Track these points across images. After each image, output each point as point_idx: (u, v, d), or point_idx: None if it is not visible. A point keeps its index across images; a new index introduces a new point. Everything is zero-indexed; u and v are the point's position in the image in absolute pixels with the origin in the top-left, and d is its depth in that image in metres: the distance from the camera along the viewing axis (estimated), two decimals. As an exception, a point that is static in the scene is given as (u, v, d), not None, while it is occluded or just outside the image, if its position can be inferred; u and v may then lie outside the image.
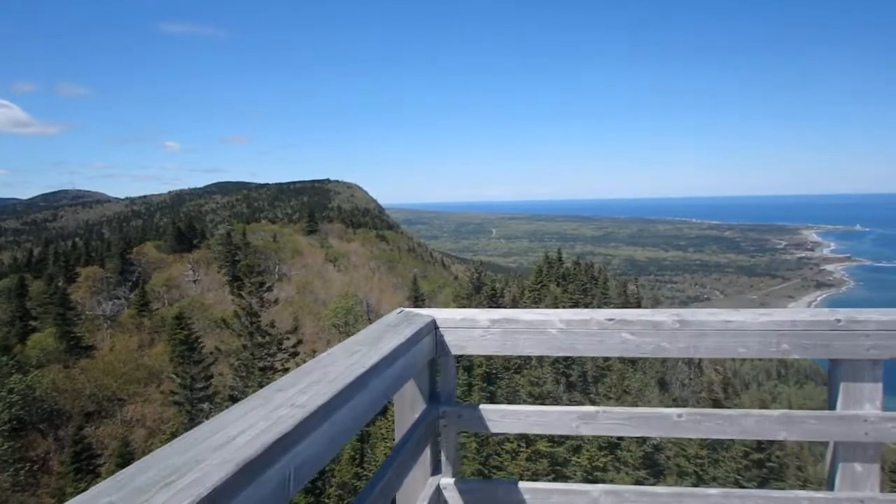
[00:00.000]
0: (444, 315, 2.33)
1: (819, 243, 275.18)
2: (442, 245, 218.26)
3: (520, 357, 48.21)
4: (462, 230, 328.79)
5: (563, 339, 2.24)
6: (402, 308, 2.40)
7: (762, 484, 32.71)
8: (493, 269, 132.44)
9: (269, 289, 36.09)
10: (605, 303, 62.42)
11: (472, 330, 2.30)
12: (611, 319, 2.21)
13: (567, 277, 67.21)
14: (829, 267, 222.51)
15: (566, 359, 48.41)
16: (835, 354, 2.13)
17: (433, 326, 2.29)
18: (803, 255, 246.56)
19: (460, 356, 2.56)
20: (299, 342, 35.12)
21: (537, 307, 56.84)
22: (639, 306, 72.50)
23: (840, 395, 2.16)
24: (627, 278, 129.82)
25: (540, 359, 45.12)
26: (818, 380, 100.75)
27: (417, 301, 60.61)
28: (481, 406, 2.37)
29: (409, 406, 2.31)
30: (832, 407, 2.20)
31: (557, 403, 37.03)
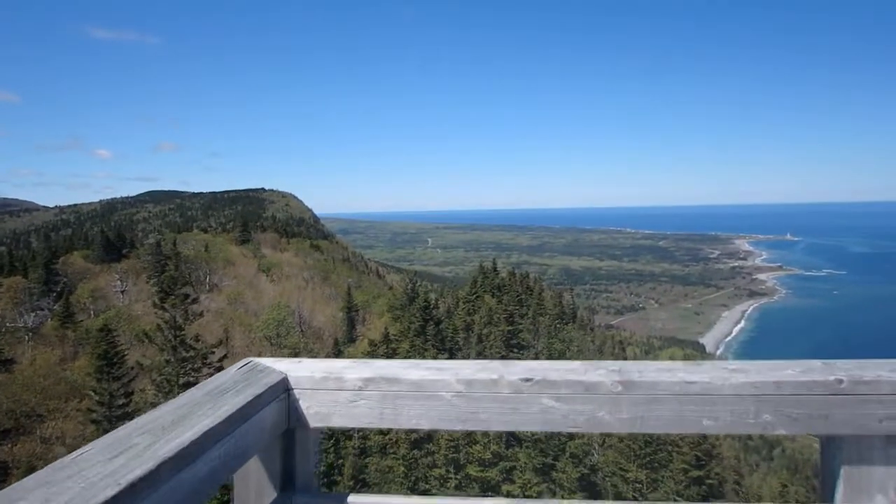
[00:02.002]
0: (301, 371, 1.72)
1: (751, 252, 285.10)
2: (377, 255, 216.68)
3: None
4: (398, 239, 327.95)
5: (463, 406, 1.66)
6: (252, 359, 1.81)
7: (705, 500, 33.09)
8: (428, 278, 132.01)
9: (195, 301, 34.73)
10: (540, 313, 62.86)
11: (339, 393, 1.70)
12: (527, 380, 1.62)
13: (502, 288, 67.36)
14: (761, 276, 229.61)
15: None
16: (835, 429, 1.56)
17: (284, 387, 1.69)
18: (736, 264, 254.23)
19: (325, 428, 1.88)
20: (224, 356, 33.99)
21: (472, 318, 56.90)
22: (574, 316, 73.45)
23: (840, 484, 1.60)
24: (563, 288, 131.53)
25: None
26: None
27: (351, 311, 59.86)
28: (351, 498, 1.72)
29: (253, 494, 1.72)
30: (828, 501, 1.64)
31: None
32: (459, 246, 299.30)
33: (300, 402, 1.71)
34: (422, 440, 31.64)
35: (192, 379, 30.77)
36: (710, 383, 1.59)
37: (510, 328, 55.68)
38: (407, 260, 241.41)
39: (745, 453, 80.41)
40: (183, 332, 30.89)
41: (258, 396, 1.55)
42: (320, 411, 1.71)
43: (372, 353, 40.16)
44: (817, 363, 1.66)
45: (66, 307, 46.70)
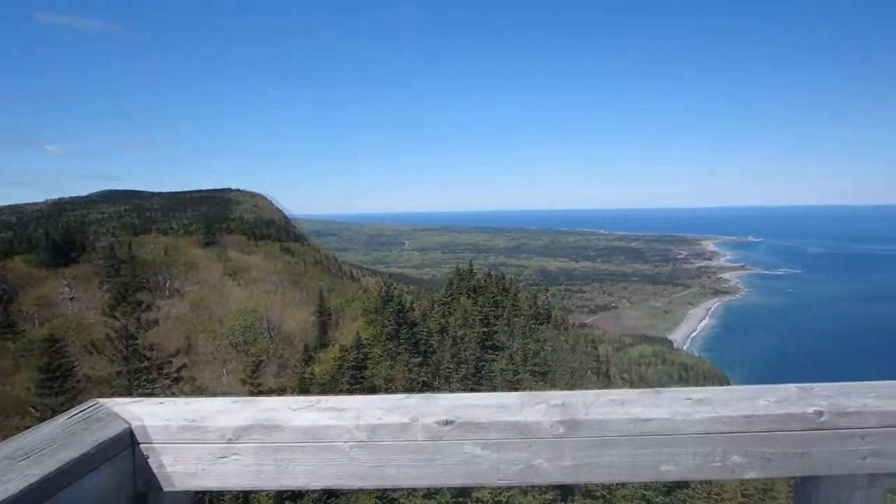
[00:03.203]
0: (157, 418, 1.34)
1: (716, 253, 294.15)
2: (352, 257, 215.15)
3: (426, 377, 46.73)
4: (374, 242, 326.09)
5: (365, 459, 1.32)
6: (97, 401, 1.41)
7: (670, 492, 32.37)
8: (404, 281, 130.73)
9: (149, 307, 32.85)
10: (515, 314, 61.90)
11: (204, 447, 1.31)
12: (448, 422, 1.30)
13: (478, 290, 66.36)
14: (725, 275, 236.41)
15: (475, 373, 47.27)
16: (813, 469, 1.35)
17: (127, 442, 1.30)
18: (702, 264, 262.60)
19: (189, 492, 1.41)
20: (183, 366, 32.19)
21: (447, 321, 55.55)
22: (549, 317, 72.60)
23: None
24: (539, 289, 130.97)
25: (447, 377, 43.51)
26: (714, 380, 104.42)
27: (323, 316, 58.25)
28: None
29: None
30: None
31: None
32: (437, 248, 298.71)
33: (153, 458, 1.33)
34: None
35: (146, 391, 29.06)
36: (669, 420, 1.32)
37: (485, 329, 54.69)
38: (383, 262, 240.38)
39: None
40: (136, 342, 29.18)
41: (84, 456, 1.19)
42: (180, 470, 1.34)
43: (343, 359, 38.62)
44: (793, 389, 1.45)
45: (7, 316, 44.16)
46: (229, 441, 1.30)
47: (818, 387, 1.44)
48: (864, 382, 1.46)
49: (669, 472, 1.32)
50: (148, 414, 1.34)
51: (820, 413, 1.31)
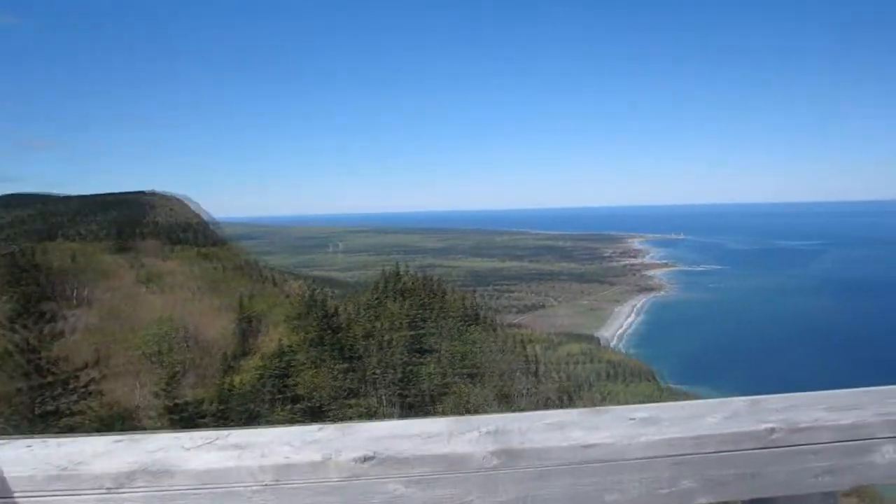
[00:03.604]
0: (20, 467, 1.11)
1: (642, 251, 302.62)
2: (277, 261, 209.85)
3: (353, 384, 45.60)
4: (301, 244, 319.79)
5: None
6: None
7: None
8: (331, 284, 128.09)
9: (53, 319, 30.85)
10: (444, 316, 61.53)
11: (78, 498, 1.10)
12: (367, 458, 1.14)
13: (406, 292, 65.66)
14: (651, 272, 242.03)
15: (403, 378, 46.58)
16: (767, 490, 1.27)
17: None
18: (629, 261, 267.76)
19: None
20: (92, 380, 30.32)
21: (374, 325, 54.60)
22: (478, 318, 72.56)
23: None
24: (468, 290, 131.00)
25: (374, 383, 42.73)
26: (641, 376, 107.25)
27: (244, 323, 56.35)
28: None
29: None
30: None
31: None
32: (365, 250, 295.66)
33: None
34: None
35: (51, 408, 27.24)
36: (613, 445, 1.22)
37: (414, 333, 54.11)
38: (309, 266, 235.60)
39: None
40: (39, 356, 27.31)
41: None
42: None
43: (265, 368, 37.29)
44: (741, 403, 1.39)
45: None
46: (109, 490, 1.09)
47: (767, 399, 1.39)
48: (813, 393, 1.42)
49: (614, 502, 1.21)
50: (9, 460, 1.10)
51: (772, 430, 1.25)
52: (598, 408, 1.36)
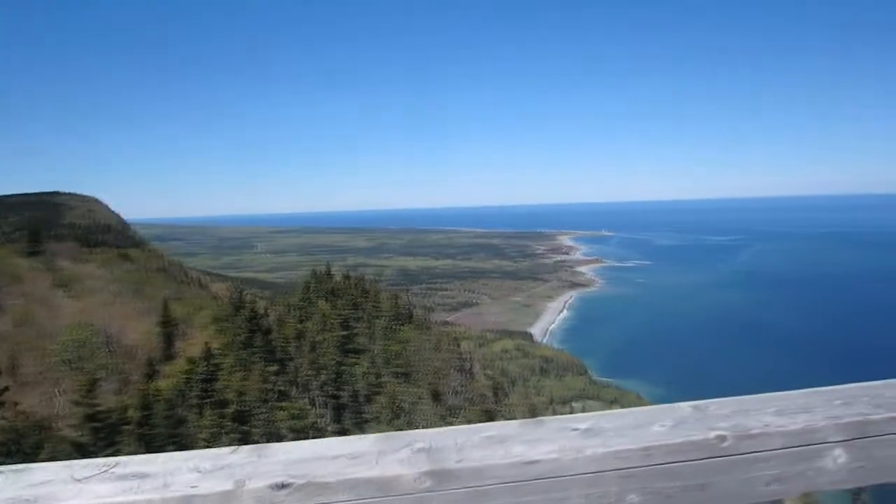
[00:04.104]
0: None
1: (573, 247, 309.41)
2: (201, 262, 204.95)
3: (283, 386, 44.81)
4: (224, 245, 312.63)
5: None
6: None
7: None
8: (258, 285, 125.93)
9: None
10: (376, 315, 61.15)
11: None
12: (284, 485, 1.03)
13: (337, 292, 64.90)
14: (581, 269, 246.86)
15: (335, 378, 45.97)
16: (715, 501, 1.22)
17: None
18: (560, 258, 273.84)
19: None
20: (6, 389, 28.72)
21: (304, 326, 53.73)
22: (411, 316, 72.42)
23: None
24: (400, 288, 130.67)
25: (305, 385, 42.06)
26: (573, 370, 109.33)
27: (169, 326, 54.49)
28: None
29: None
30: None
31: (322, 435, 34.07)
32: (292, 250, 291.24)
33: None
34: None
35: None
36: (557, 461, 1.14)
37: (345, 333, 53.49)
38: (234, 267, 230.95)
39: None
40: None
41: None
42: None
43: (191, 372, 36.08)
44: (687, 409, 1.33)
45: None
46: None
47: (713, 404, 1.34)
48: (760, 396, 1.38)
49: None
50: None
51: (722, 438, 1.20)
52: (538, 418, 1.27)
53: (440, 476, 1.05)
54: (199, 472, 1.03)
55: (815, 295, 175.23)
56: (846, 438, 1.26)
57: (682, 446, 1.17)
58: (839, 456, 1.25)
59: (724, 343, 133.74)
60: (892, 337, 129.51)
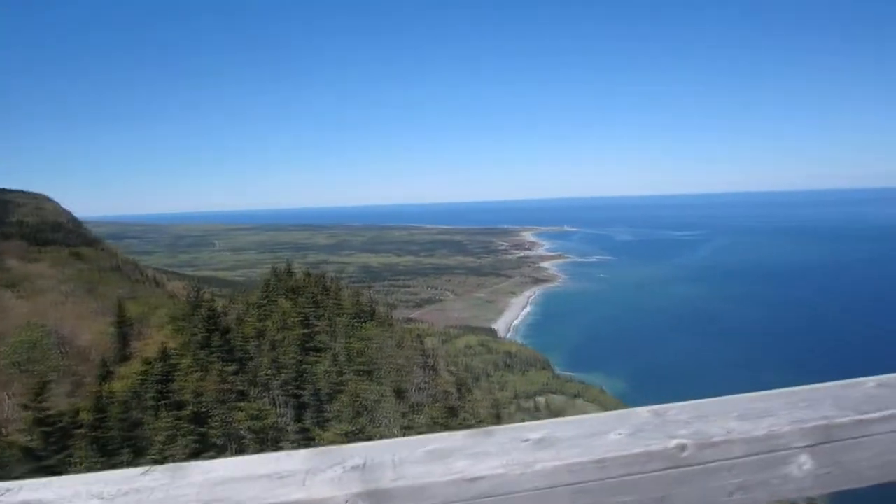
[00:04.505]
0: None
1: (535, 243, 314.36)
2: (157, 260, 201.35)
3: (243, 386, 43.98)
4: (180, 243, 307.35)
5: None
6: None
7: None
8: (217, 284, 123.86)
9: None
10: (337, 313, 60.48)
11: None
12: None
13: (297, 290, 64.02)
14: (544, 264, 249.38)
15: (296, 377, 45.32)
16: None
17: None
18: (522, 254, 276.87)
19: None
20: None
21: (264, 324, 52.91)
22: (373, 314, 71.80)
23: None
24: (362, 286, 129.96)
25: (266, 384, 41.38)
26: (536, 365, 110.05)
27: (124, 326, 53.12)
28: None
29: None
30: None
31: (280, 441, 33.28)
32: (251, 248, 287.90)
33: None
34: None
35: None
36: (503, 476, 1.04)
37: (306, 331, 52.78)
38: (192, 265, 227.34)
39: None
40: None
41: None
42: None
43: (146, 373, 35.15)
44: (645, 415, 1.24)
45: None
46: None
47: (672, 409, 1.25)
48: (721, 399, 1.30)
49: None
50: None
51: (683, 447, 1.12)
52: (487, 428, 1.16)
53: (374, 497, 0.95)
54: (102, 498, 0.91)
55: (772, 288, 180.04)
56: (811, 444, 1.19)
57: (640, 457, 1.09)
58: (805, 462, 1.18)
59: (685, 336, 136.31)
60: (847, 327, 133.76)
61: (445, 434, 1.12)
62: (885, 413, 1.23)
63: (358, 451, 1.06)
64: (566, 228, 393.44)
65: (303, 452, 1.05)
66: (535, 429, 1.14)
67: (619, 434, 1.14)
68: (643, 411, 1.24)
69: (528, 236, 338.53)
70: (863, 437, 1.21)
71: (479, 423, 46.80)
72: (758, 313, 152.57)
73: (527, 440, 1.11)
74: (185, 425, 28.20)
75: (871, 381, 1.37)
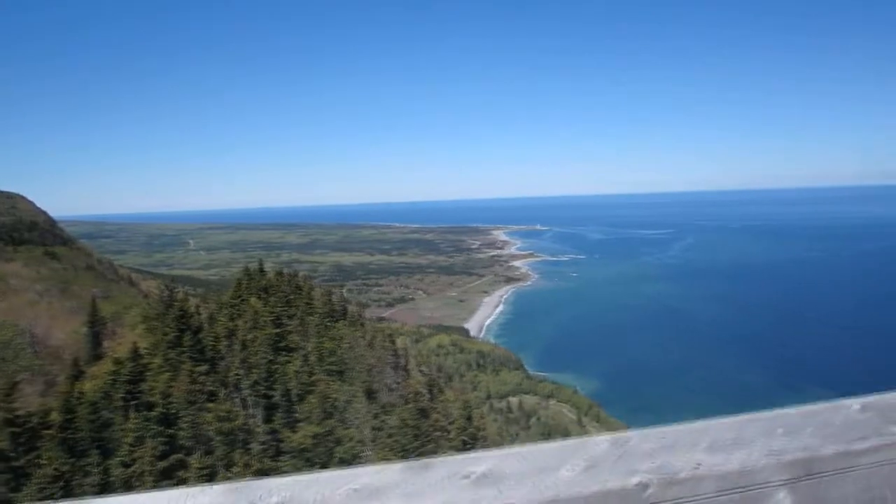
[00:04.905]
0: None
1: (507, 242, 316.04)
2: (132, 260, 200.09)
3: (213, 386, 44.54)
4: (155, 243, 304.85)
5: None
6: None
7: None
8: (191, 283, 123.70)
9: None
10: (309, 313, 60.98)
11: None
12: None
13: (269, 289, 64.48)
14: (516, 263, 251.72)
15: (267, 377, 46.02)
16: None
17: None
18: (494, 253, 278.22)
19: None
20: (-79, 395, 28.04)
21: (236, 324, 53.50)
22: (345, 313, 72.40)
23: None
24: (334, 285, 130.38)
25: (236, 384, 42.12)
26: (509, 364, 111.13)
27: (97, 325, 53.35)
28: None
29: None
30: None
31: (248, 443, 33.86)
32: (225, 247, 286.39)
33: None
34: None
35: None
36: None
37: (278, 331, 53.30)
38: (166, 264, 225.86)
39: (507, 424, 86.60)
40: None
41: None
42: None
43: (116, 373, 35.73)
44: (603, 444, 1.08)
45: None
46: None
47: (634, 437, 1.09)
48: (689, 426, 1.13)
49: None
50: None
51: (645, 486, 0.98)
52: (426, 460, 1.02)
53: None
54: None
55: (739, 285, 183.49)
56: (790, 478, 1.08)
57: (596, 497, 0.95)
58: (783, 500, 1.08)
59: (656, 334, 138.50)
60: (812, 324, 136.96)
61: (379, 466, 0.99)
62: (872, 443, 1.11)
63: (277, 487, 0.93)
64: (538, 227, 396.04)
65: (217, 488, 0.93)
66: (479, 461, 1.00)
67: (573, 469, 0.99)
68: (601, 440, 1.09)
69: (499, 235, 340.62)
70: (847, 470, 1.10)
71: (451, 423, 48.04)
72: (725, 310, 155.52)
73: (468, 476, 0.97)
74: (154, 427, 28.83)
75: (855, 404, 1.24)
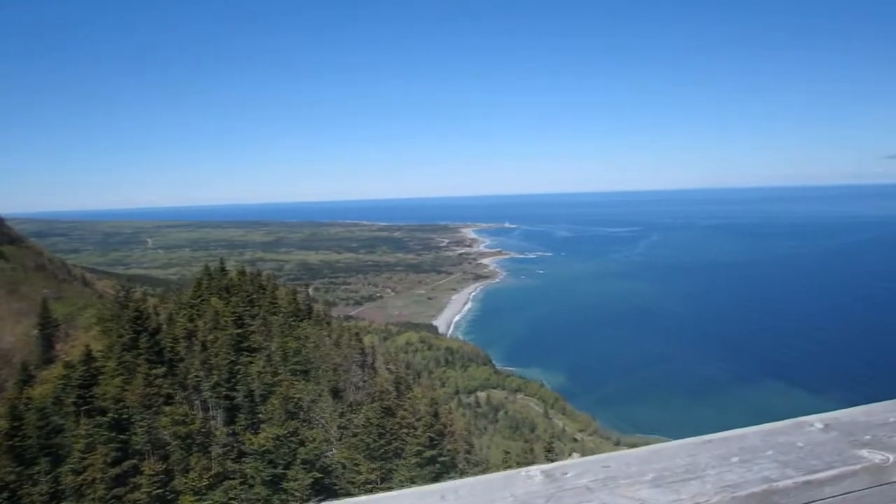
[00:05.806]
0: None
1: (476, 240, 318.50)
2: (86, 259, 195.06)
3: (171, 389, 42.90)
4: (111, 241, 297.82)
5: None
6: None
7: (437, 477, 33.33)
8: (149, 283, 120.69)
9: None
10: (272, 312, 59.59)
11: None
12: None
13: (231, 288, 62.80)
14: (485, 261, 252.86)
15: (229, 378, 44.56)
16: None
17: None
18: (463, 251, 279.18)
19: None
20: None
21: (195, 324, 51.76)
22: (310, 312, 70.99)
23: None
24: (299, 283, 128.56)
25: (196, 387, 40.58)
26: (477, 360, 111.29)
27: (48, 327, 51.27)
28: None
29: None
30: None
31: (208, 447, 32.47)
32: (185, 245, 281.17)
33: None
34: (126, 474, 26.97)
35: None
36: None
37: (240, 331, 51.82)
38: (123, 263, 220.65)
39: (475, 419, 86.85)
40: None
41: None
42: None
43: (68, 377, 33.97)
44: (536, 476, 0.96)
45: None
46: None
47: (571, 468, 0.94)
48: (634, 452, 1.00)
49: None
50: None
51: None
52: (349, 501, 0.91)
53: None
54: None
55: (703, 282, 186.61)
56: None
57: None
58: None
59: (621, 330, 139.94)
60: (775, 321, 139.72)
61: None
62: (837, 471, 0.96)
63: None
64: (506, 225, 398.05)
65: None
66: (396, 499, 0.90)
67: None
68: (535, 472, 0.93)
69: (468, 233, 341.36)
70: (811, 503, 0.94)
71: (418, 420, 47.15)
72: (688, 306, 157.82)
73: None
74: (105, 433, 27.31)
75: (816, 422, 1.10)
